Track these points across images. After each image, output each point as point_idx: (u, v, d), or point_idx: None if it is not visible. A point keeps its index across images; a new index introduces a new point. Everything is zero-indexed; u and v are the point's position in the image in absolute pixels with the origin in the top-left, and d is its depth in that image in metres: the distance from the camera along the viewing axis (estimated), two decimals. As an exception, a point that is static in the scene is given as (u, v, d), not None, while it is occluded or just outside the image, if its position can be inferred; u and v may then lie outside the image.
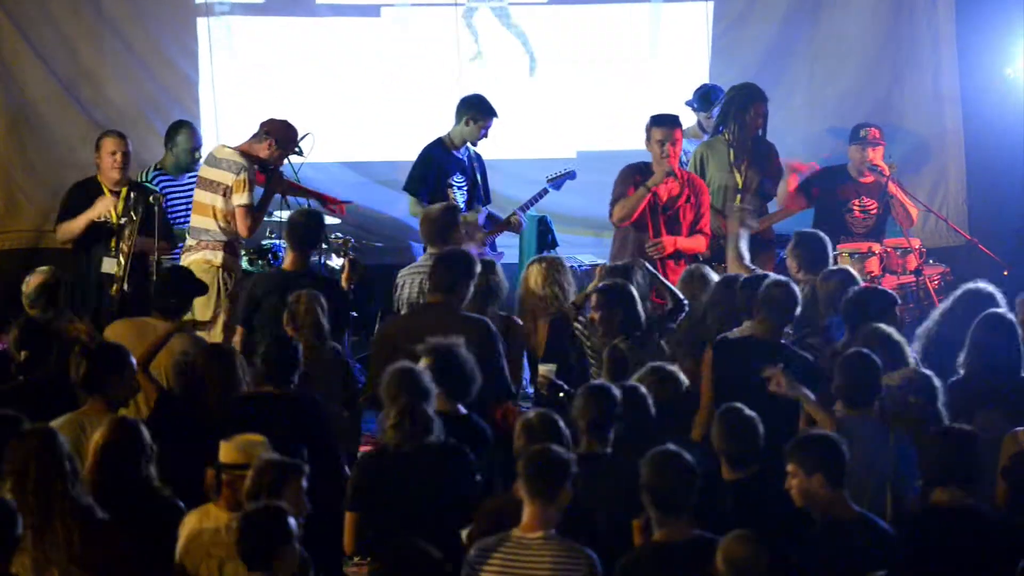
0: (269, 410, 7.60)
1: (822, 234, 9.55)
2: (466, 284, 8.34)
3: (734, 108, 11.15)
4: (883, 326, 7.99)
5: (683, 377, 7.54)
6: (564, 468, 6.20)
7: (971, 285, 8.68)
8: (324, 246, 11.08)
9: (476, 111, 11.41)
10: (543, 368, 8.56)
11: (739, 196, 10.99)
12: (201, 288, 9.14)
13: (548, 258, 9.61)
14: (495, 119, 11.45)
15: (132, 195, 10.41)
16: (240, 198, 10.39)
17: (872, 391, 7.38)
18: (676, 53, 13.37)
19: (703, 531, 6.23)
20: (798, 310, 8.19)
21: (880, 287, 9.20)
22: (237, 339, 9.30)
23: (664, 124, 10.48)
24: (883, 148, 11.45)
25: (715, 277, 9.32)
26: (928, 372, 7.56)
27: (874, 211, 11.38)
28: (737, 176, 11.13)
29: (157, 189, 10.92)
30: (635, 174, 10.56)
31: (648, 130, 10.50)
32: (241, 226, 10.37)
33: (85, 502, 6.32)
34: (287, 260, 9.49)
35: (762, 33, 13.38)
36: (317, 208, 10.66)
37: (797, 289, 8.30)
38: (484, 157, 11.76)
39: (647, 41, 13.39)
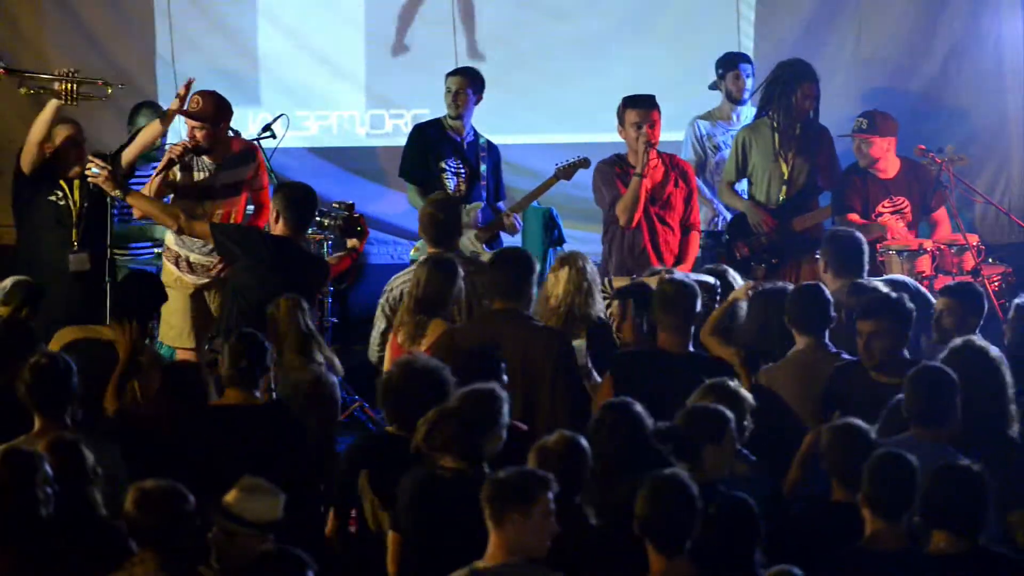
0: (238, 426, 7.22)
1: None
2: (531, 286, 8.10)
3: (779, 89, 10.74)
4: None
5: (747, 395, 7.14)
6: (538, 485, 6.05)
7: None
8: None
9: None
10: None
11: (784, 188, 10.75)
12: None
13: (571, 258, 8.68)
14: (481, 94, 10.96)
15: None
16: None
17: (947, 412, 7.05)
18: (705, 28, 13.12)
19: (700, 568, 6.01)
20: (699, 306, 7.91)
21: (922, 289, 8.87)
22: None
23: (639, 105, 10.12)
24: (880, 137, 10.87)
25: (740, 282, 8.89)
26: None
27: (907, 209, 10.81)
28: (783, 166, 10.79)
29: None
30: (614, 167, 10.22)
31: (621, 113, 10.17)
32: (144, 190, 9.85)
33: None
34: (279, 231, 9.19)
35: (800, 1, 13.18)
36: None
37: (693, 283, 7.98)
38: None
39: (673, 16, 13.17)
